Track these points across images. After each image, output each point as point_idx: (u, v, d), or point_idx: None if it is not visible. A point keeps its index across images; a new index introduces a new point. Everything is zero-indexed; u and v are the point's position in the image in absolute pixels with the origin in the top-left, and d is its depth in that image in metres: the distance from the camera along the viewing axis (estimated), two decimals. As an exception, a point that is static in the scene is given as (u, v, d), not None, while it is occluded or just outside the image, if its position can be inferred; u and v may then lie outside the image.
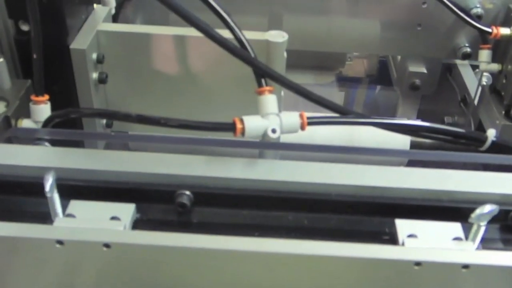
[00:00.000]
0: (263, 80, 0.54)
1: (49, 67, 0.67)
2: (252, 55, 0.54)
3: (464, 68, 1.05)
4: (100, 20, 0.73)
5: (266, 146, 0.56)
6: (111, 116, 0.59)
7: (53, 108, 0.62)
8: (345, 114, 0.58)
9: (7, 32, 0.66)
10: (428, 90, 1.06)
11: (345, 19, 0.94)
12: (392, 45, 0.97)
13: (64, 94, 0.69)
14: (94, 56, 0.70)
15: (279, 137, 0.53)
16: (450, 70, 1.09)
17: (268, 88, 0.54)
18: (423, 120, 1.01)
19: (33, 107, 0.61)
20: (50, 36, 0.65)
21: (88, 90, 0.69)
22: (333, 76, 1.17)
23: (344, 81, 1.19)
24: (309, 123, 0.54)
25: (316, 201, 0.53)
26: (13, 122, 0.61)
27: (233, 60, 0.53)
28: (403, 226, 0.51)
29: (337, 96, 1.15)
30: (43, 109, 0.61)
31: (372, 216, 0.53)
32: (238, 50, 0.52)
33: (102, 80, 0.71)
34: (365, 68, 1.22)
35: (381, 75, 1.19)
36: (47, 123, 0.58)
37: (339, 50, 1.06)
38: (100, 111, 0.60)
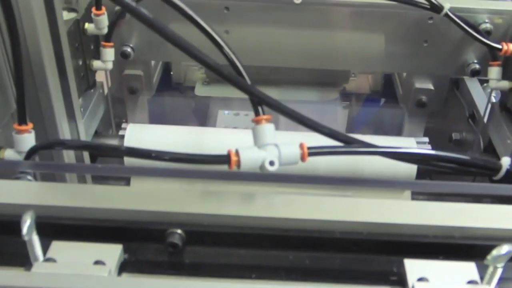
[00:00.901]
0: (260, 108, 0.50)
1: None
2: (249, 82, 0.50)
3: (471, 82, 1.02)
4: None
5: (261, 179, 0.52)
6: (98, 149, 0.56)
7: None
8: (348, 142, 0.54)
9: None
10: (435, 107, 1.02)
11: (348, 36, 0.91)
12: (397, 62, 0.93)
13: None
14: None
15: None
16: (457, 85, 1.05)
17: (265, 117, 0.50)
18: (430, 138, 1.00)
19: (16, 136, 0.57)
20: None
21: None
22: (337, 92, 1.13)
23: (349, 98, 1.16)
24: (310, 154, 0.50)
25: (318, 239, 0.49)
26: (-5, 152, 0.58)
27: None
28: (413, 266, 0.47)
29: (341, 113, 1.11)
30: (26, 139, 0.58)
31: (379, 255, 0.49)
32: (234, 77, 0.48)
33: None
34: (369, 84, 1.18)
35: (386, 91, 1.15)
36: (30, 154, 0.54)
37: (342, 68, 1.03)
38: (86, 144, 0.56)
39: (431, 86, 1.00)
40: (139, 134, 0.86)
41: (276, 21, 0.89)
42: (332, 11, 0.89)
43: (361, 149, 0.54)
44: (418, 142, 0.95)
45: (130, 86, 1.02)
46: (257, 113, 0.50)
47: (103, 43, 0.85)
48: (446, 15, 0.82)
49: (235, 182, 0.54)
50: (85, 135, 0.81)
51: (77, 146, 0.54)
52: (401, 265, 0.47)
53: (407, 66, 0.94)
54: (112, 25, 0.84)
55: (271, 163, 0.49)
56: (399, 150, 0.56)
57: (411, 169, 0.87)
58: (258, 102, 0.50)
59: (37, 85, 0.63)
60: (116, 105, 1.03)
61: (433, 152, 0.57)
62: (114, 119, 1.02)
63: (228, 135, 0.90)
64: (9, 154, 0.58)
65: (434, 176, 0.96)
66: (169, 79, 1.17)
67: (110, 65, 0.86)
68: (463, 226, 0.49)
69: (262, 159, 0.49)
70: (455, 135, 1.05)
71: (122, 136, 0.83)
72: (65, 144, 0.54)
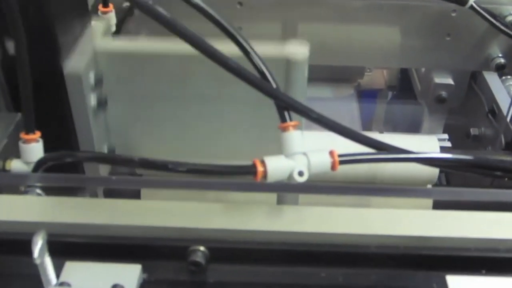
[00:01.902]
0: (286, 114, 0.46)
1: (40, 94, 0.60)
2: (274, 85, 0.46)
3: (490, 75, 0.97)
4: (97, 36, 0.65)
5: (279, 189, 0.49)
6: (111, 161, 0.52)
7: (47, 140, 0.55)
8: (378, 148, 0.50)
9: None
10: (455, 102, 0.99)
11: (365, 31, 0.87)
12: (417, 57, 0.89)
13: (59, 123, 0.62)
14: (92, 78, 0.62)
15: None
16: (474, 78, 1.01)
17: (292, 123, 0.46)
18: (449, 135, 0.96)
19: (23, 146, 0.54)
20: (40, 58, 0.58)
21: (86, 117, 0.61)
22: (352, 88, 1.09)
23: (364, 94, 1.12)
24: (341, 162, 0.47)
25: (352, 254, 0.45)
26: (0, 163, 0.54)
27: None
28: (455, 283, 0.43)
29: (356, 110, 1.07)
30: (34, 148, 0.54)
31: (418, 270, 0.46)
32: (258, 81, 0.45)
33: (101, 105, 0.63)
34: (385, 79, 1.14)
35: (403, 86, 1.11)
36: (38, 166, 0.50)
37: (359, 64, 0.99)
38: (98, 156, 0.52)
39: (451, 81, 0.96)
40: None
41: (290, 17, 0.86)
42: (348, 5, 0.85)
43: (395, 156, 0.50)
44: (438, 139, 0.92)
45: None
46: (283, 119, 0.46)
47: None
48: (471, 7, 0.78)
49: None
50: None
51: (88, 157, 0.51)
52: (443, 282, 0.43)
53: (428, 61, 0.90)
54: (120, 23, 0.80)
55: (300, 173, 0.45)
56: (436, 156, 0.52)
57: (433, 171, 0.83)
58: (285, 107, 0.46)
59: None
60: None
61: (467, 157, 0.53)
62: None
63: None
64: (16, 165, 0.54)
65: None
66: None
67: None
68: (508, 239, 0.46)
69: (291, 169, 0.45)
70: (473, 131, 1.01)
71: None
72: (75, 156, 0.50)
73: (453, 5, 0.81)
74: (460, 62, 0.89)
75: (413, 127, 1.04)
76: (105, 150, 0.67)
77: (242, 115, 0.65)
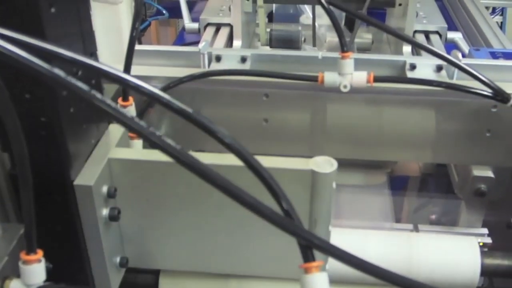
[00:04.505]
0: (309, 253, 0.41)
1: (48, 205, 0.56)
2: (297, 222, 0.41)
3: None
4: (113, 143, 0.62)
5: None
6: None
7: (54, 254, 0.51)
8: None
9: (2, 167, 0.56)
10: (496, 195, 0.92)
11: (398, 126, 0.82)
12: (454, 153, 0.84)
13: (67, 235, 0.58)
14: (105, 190, 0.58)
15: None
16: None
17: (316, 264, 0.41)
18: (489, 226, 0.89)
19: (22, 267, 0.50)
20: (48, 167, 0.54)
21: (97, 230, 0.58)
22: (385, 175, 1.04)
23: (397, 181, 1.06)
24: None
25: None
26: (-1, 284, 0.50)
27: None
28: None
29: (389, 199, 1.01)
30: (35, 270, 0.50)
31: None
32: (279, 218, 0.40)
33: (113, 218, 0.59)
34: (420, 166, 1.08)
35: (439, 175, 1.05)
36: (38, 294, 0.46)
37: (391, 159, 0.94)
38: None
39: (491, 174, 0.89)
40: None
41: (319, 110, 0.82)
42: (380, 99, 0.80)
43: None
44: (476, 234, 0.86)
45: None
46: (306, 258, 0.41)
47: (130, 135, 0.78)
48: (513, 104, 0.73)
49: None
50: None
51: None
52: None
53: (466, 157, 0.85)
54: (140, 115, 0.77)
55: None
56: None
57: (474, 268, 0.77)
58: (307, 245, 0.41)
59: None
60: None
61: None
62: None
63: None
64: (15, 286, 0.50)
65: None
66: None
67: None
68: None
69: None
70: (515, 222, 0.94)
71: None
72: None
73: (493, 101, 0.75)
74: (501, 159, 0.83)
75: (450, 220, 0.97)
76: (117, 262, 0.63)
77: (260, 223, 0.60)
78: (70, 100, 0.54)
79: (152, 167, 0.59)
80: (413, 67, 0.83)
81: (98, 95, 0.37)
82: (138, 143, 0.67)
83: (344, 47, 0.73)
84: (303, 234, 0.40)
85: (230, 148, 0.41)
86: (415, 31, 1.07)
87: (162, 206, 0.62)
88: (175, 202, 0.61)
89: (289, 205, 0.40)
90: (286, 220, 0.41)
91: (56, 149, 0.55)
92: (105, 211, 0.59)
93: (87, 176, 0.57)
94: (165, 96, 0.40)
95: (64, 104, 0.54)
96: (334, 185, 0.59)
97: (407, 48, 1.04)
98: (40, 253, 0.50)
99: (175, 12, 1.29)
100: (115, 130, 0.65)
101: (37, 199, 0.48)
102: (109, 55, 0.99)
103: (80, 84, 0.36)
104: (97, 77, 0.60)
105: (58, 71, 0.35)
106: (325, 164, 0.58)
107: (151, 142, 0.39)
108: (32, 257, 0.49)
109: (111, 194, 0.59)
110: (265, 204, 0.39)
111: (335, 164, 0.57)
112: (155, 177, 0.60)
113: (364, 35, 1.20)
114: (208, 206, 0.60)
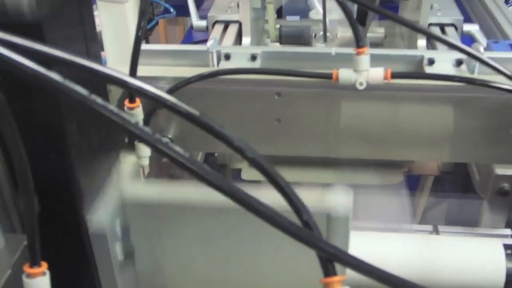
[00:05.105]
0: (330, 266, 0.38)
1: (60, 247, 0.54)
2: (317, 233, 0.38)
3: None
4: (125, 180, 0.59)
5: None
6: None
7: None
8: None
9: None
10: (520, 194, 0.88)
11: (416, 123, 0.79)
12: (475, 152, 0.80)
13: (82, 277, 0.56)
14: (118, 229, 0.55)
15: None
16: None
17: (337, 278, 0.38)
18: None
19: (26, 281, 0.47)
20: (59, 209, 0.52)
21: (112, 271, 0.56)
22: (401, 174, 1.00)
23: (415, 180, 1.02)
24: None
25: None
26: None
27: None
28: None
29: (406, 200, 0.98)
30: (39, 284, 0.47)
31: None
32: (297, 229, 0.37)
33: (128, 256, 0.57)
34: (438, 164, 1.04)
35: (459, 173, 1.01)
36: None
37: (408, 159, 0.91)
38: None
39: (514, 172, 0.86)
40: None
41: (333, 109, 0.79)
42: (398, 97, 0.77)
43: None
44: (499, 235, 0.82)
45: (170, 173, 0.92)
46: (326, 273, 0.38)
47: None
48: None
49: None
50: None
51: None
52: None
53: (487, 156, 0.81)
54: (148, 117, 0.74)
55: None
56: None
57: (498, 272, 0.73)
58: (328, 259, 0.38)
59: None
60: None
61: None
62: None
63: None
64: (18, 301, 0.48)
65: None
66: (213, 161, 1.06)
67: (146, 161, 0.76)
68: None
69: None
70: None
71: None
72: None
73: (517, 96, 0.72)
74: (527, 158, 0.79)
75: (471, 221, 0.93)
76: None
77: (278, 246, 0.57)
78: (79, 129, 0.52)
79: (167, 205, 0.56)
80: (431, 62, 0.79)
81: (99, 100, 0.34)
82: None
83: (359, 42, 0.69)
84: (324, 246, 0.37)
85: (242, 154, 0.38)
86: (430, 24, 1.03)
87: (176, 242, 0.59)
88: (190, 242, 0.58)
89: (308, 216, 0.37)
90: (305, 232, 0.37)
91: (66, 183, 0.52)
92: (119, 252, 0.56)
93: (100, 219, 0.53)
94: (170, 98, 0.37)
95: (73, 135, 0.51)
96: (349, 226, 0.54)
97: (421, 42, 1.00)
98: (44, 266, 0.47)
99: (183, 10, 1.26)
100: (126, 164, 0.62)
101: (49, 239, 0.46)
102: (116, 55, 0.97)
103: (78, 88, 0.33)
104: (99, 80, 0.57)
105: (54, 75, 0.33)
106: (341, 197, 0.53)
107: (157, 150, 0.36)
108: (36, 270, 0.47)
109: (124, 232, 0.56)
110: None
111: (351, 197, 0.53)
112: (169, 217, 0.56)
113: (376, 29, 1.16)
114: (224, 242, 0.57)
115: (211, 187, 0.36)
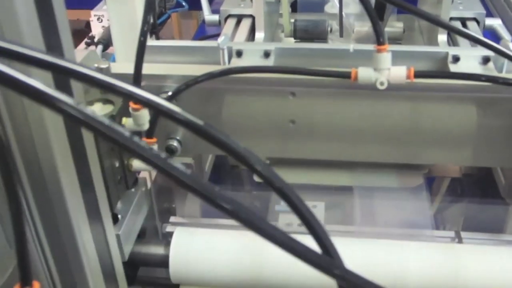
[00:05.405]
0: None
1: None
2: (338, 261, 0.34)
3: None
4: None
5: None
6: None
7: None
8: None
9: None
10: (547, 200, 0.83)
11: (438, 125, 0.74)
12: (501, 156, 0.75)
13: None
14: None
15: None
16: None
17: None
18: None
19: (19, 305, 0.43)
20: None
21: None
22: (421, 176, 0.95)
23: (435, 183, 0.98)
24: None
25: None
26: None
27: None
28: None
29: (427, 204, 0.93)
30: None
31: None
32: (315, 256, 0.32)
33: None
34: (460, 167, 0.99)
35: (482, 175, 0.96)
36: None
37: (429, 162, 0.86)
38: None
39: (542, 177, 0.81)
40: (188, 240, 0.75)
41: (351, 110, 0.74)
42: (421, 97, 0.72)
43: None
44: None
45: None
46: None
47: (144, 139, 0.71)
48: None
49: None
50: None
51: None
52: None
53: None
54: (154, 118, 0.70)
55: None
56: None
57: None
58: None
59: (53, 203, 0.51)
60: (162, 194, 0.89)
61: None
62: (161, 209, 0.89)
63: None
64: (10, 323, 0.44)
65: None
66: (225, 163, 1.02)
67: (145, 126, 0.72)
68: None
69: None
70: None
71: (167, 235, 0.78)
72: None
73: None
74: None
75: (496, 227, 0.89)
76: None
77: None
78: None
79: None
80: (456, 59, 0.74)
81: (88, 111, 0.30)
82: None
83: (380, 38, 0.65)
84: (345, 274, 0.33)
85: (250, 167, 0.34)
86: (451, 18, 0.98)
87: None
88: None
89: (328, 241, 0.33)
90: (324, 258, 0.33)
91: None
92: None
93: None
94: (166, 104, 0.32)
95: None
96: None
97: (442, 37, 0.95)
98: (36, 286, 0.44)
99: (196, 4, 1.22)
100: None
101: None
102: (125, 51, 0.93)
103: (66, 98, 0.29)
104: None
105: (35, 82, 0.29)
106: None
107: (155, 166, 0.32)
108: (28, 292, 0.43)
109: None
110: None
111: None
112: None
113: (394, 24, 1.11)
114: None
115: (214, 206, 0.32)
